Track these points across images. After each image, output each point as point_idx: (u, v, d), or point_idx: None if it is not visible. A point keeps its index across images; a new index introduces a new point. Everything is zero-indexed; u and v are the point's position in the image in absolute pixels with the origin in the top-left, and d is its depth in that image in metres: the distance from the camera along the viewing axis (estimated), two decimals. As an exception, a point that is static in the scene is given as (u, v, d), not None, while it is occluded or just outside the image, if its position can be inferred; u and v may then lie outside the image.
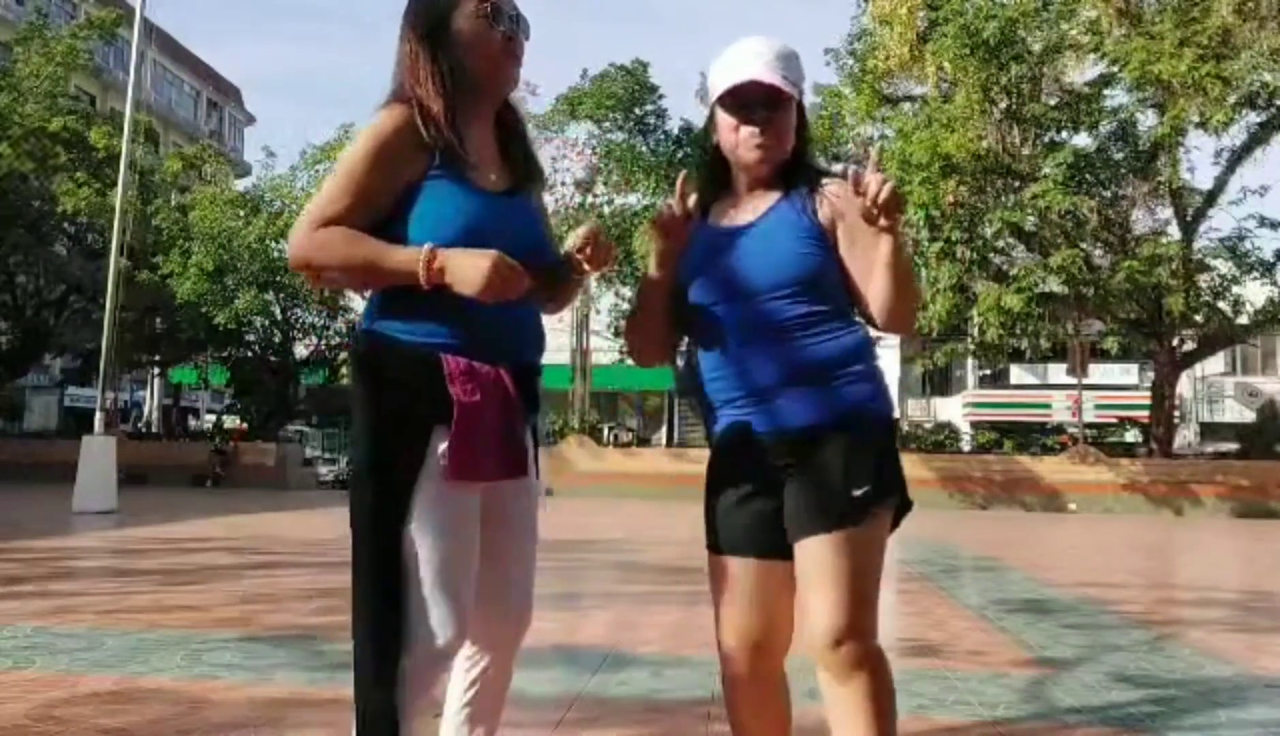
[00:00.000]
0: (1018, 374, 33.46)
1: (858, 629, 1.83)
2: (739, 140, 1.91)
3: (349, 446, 1.82)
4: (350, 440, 1.79)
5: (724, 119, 1.93)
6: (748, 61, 1.88)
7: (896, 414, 32.56)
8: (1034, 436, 26.15)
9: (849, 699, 1.82)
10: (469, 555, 1.74)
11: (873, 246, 1.83)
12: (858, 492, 1.81)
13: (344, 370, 24.49)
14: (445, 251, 1.66)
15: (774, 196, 1.95)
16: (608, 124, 23.79)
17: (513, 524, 1.87)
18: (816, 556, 1.81)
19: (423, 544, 1.68)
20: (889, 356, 29.85)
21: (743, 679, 1.93)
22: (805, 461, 1.84)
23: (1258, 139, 19.17)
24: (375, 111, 1.80)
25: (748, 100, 1.88)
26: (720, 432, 1.94)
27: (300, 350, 24.65)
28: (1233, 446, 24.55)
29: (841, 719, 1.84)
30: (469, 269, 1.65)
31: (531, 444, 1.90)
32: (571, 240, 1.89)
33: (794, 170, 1.96)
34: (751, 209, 1.96)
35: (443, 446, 1.68)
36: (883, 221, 1.75)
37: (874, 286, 1.86)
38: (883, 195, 1.71)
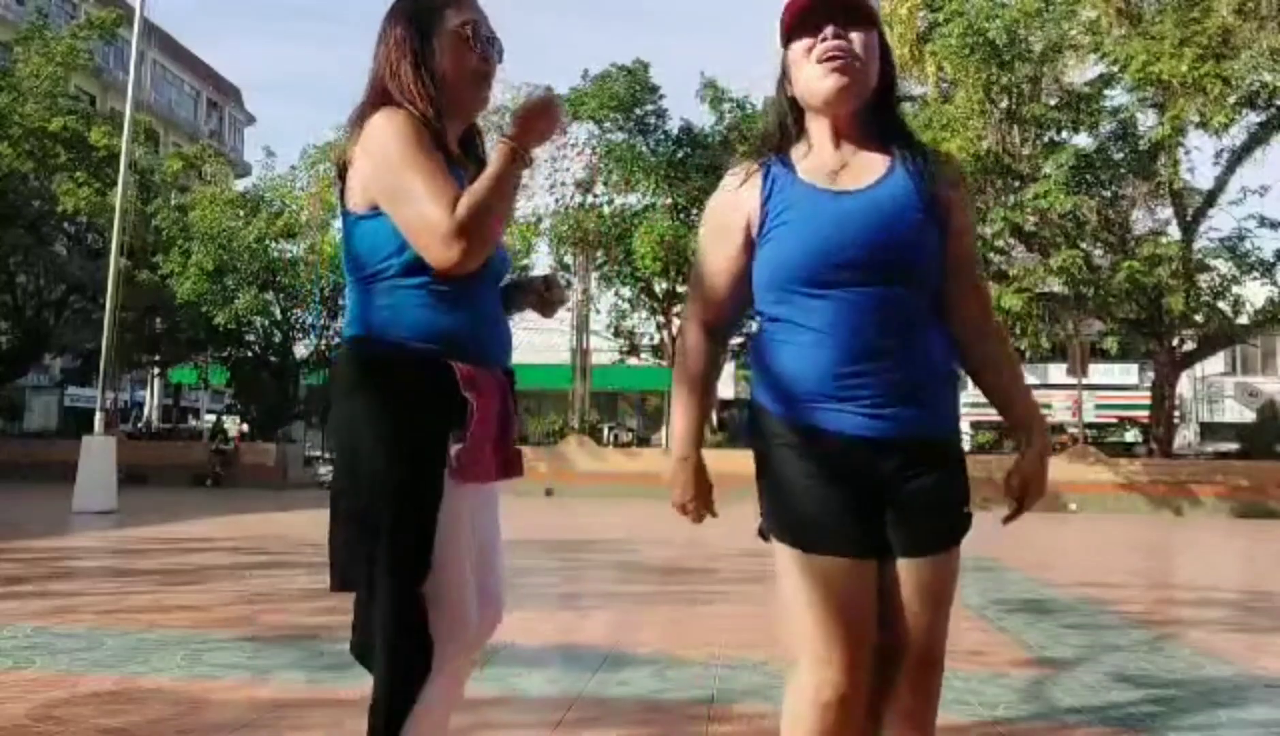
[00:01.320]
0: (1018, 374, 33.43)
1: (944, 648, 1.77)
2: (814, 66, 1.64)
3: (350, 455, 1.74)
4: (354, 449, 1.73)
5: (795, 48, 1.68)
6: None
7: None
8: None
9: (921, 710, 1.81)
10: (469, 549, 1.79)
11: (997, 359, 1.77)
12: (967, 509, 1.71)
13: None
14: (515, 127, 1.70)
15: (877, 157, 1.69)
16: (608, 124, 23.78)
17: (490, 522, 1.93)
18: (933, 574, 1.67)
19: (442, 543, 1.71)
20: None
21: (855, 693, 1.64)
22: (921, 472, 1.65)
23: (1258, 139, 19.16)
24: (362, 114, 1.78)
25: (820, 14, 1.64)
26: (825, 430, 1.64)
27: (300, 350, 24.65)
28: (1233, 446, 24.56)
29: (902, 724, 1.79)
30: (534, 115, 1.71)
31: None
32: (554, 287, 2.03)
33: (888, 124, 1.72)
34: (859, 169, 1.68)
35: (455, 449, 1.71)
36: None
37: (984, 377, 1.78)
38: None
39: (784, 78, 1.74)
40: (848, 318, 1.62)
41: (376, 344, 1.74)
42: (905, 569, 1.66)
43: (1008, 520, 1.80)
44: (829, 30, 1.63)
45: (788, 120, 1.75)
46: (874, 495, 1.65)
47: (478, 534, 1.85)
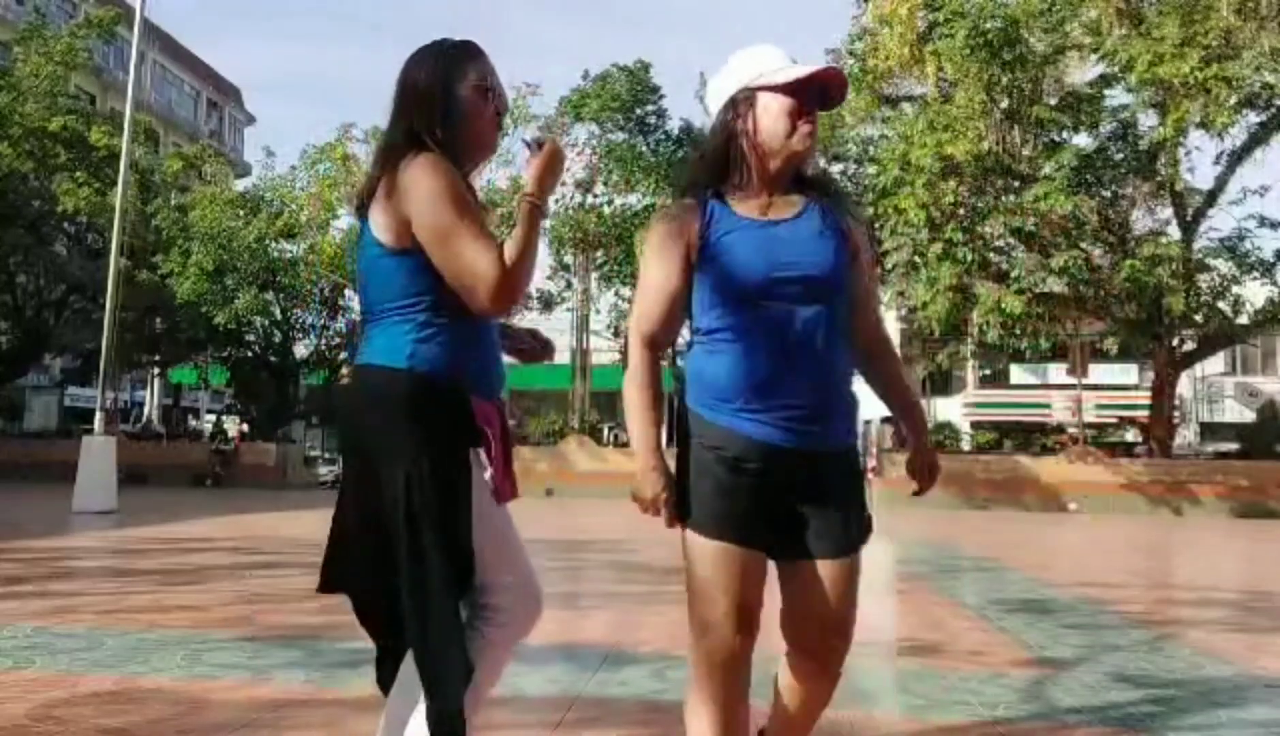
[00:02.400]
0: (1018, 374, 33.44)
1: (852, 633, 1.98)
2: (796, 129, 1.92)
3: (399, 477, 1.85)
4: (407, 467, 1.84)
5: (783, 105, 1.91)
6: (802, 63, 1.94)
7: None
8: (1034, 436, 26.15)
9: (816, 696, 2.05)
10: (512, 557, 1.98)
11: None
12: (868, 513, 1.97)
13: (344, 370, 24.46)
14: (531, 182, 1.89)
15: (798, 198, 1.97)
16: (609, 124, 23.79)
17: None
18: (841, 575, 1.92)
19: (493, 549, 1.91)
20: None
21: (735, 658, 1.94)
22: (828, 480, 1.91)
23: (1258, 139, 19.16)
24: (398, 155, 1.89)
25: (816, 92, 1.94)
26: (745, 436, 1.87)
27: (300, 350, 24.65)
28: (1233, 446, 24.55)
29: (799, 706, 2.07)
30: (548, 177, 1.91)
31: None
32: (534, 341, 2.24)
33: (807, 176, 2.03)
34: (783, 205, 1.95)
35: (486, 474, 1.89)
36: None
37: (883, 391, 2.14)
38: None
39: (734, 110, 1.95)
40: (777, 330, 1.86)
41: (399, 375, 1.86)
42: (822, 568, 1.91)
43: (918, 494, 2.13)
44: (814, 113, 1.93)
45: (730, 149, 1.96)
46: (780, 498, 1.89)
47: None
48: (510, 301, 1.83)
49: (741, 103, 1.94)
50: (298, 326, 24.28)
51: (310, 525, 11.40)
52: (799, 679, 2.05)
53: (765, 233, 1.90)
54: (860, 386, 2.05)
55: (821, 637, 1.96)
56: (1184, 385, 27.42)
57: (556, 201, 23.76)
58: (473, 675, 1.84)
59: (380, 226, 1.88)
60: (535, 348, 2.24)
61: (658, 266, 1.96)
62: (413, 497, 1.82)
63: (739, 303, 1.88)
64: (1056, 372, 29.42)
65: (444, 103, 1.93)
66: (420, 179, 1.82)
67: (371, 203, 1.91)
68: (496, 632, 1.94)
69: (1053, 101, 19.28)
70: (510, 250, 1.82)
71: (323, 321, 24.26)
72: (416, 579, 1.82)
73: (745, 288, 1.87)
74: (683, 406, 1.99)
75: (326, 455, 30.46)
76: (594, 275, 24.37)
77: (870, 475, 21.41)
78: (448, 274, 1.82)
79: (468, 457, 1.87)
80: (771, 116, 1.91)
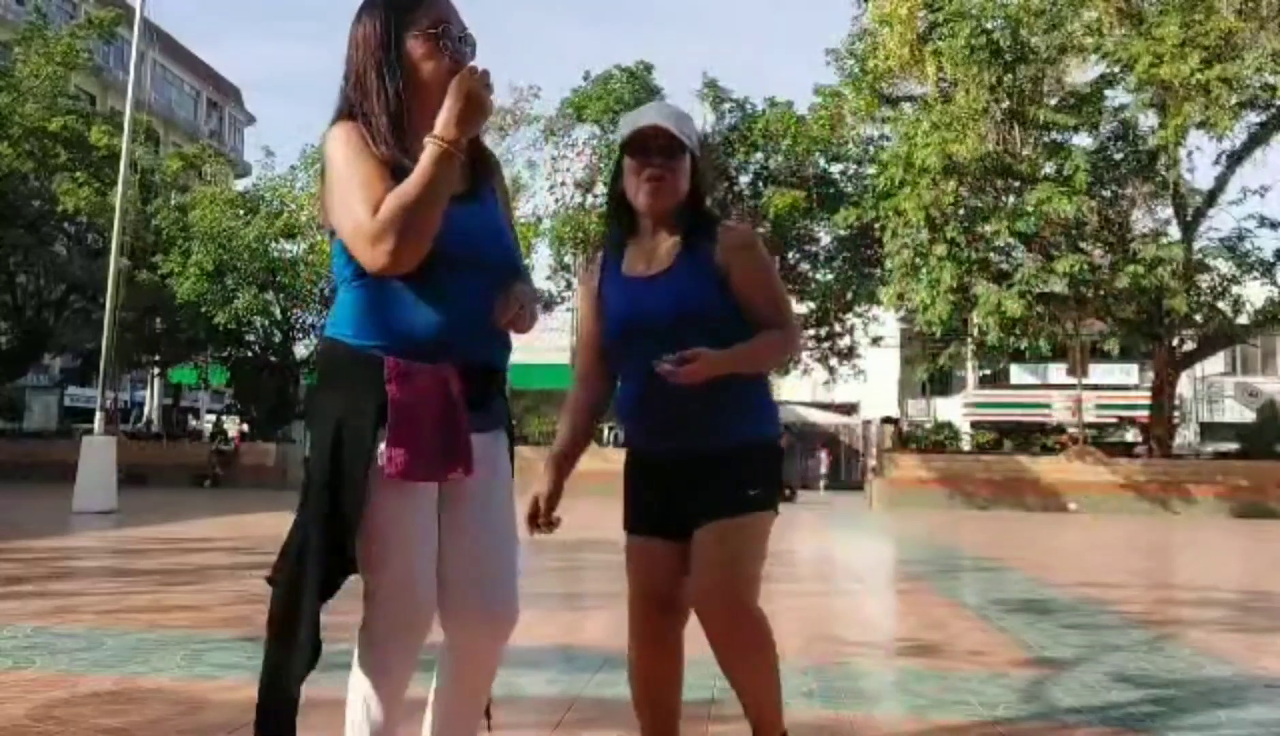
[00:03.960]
0: (1018, 374, 33.44)
1: (734, 591, 2.18)
2: (639, 183, 2.20)
3: (311, 438, 1.84)
4: (309, 440, 1.85)
5: (628, 164, 2.23)
6: (649, 115, 2.23)
7: (895, 414, 32.30)
8: (1034, 436, 26.14)
9: (730, 650, 2.24)
10: (419, 552, 1.77)
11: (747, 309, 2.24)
12: (752, 491, 2.20)
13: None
14: (439, 122, 1.66)
15: (676, 242, 2.25)
16: (610, 126, 23.78)
17: (471, 523, 1.86)
18: (706, 539, 2.18)
19: (375, 543, 1.72)
20: (888, 357, 29.86)
21: (650, 634, 2.32)
22: (707, 473, 2.21)
23: (1258, 139, 19.16)
24: (329, 128, 1.80)
25: (647, 146, 2.20)
26: (636, 451, 2.37)
27: (300, 350, 24.64)
28: (1233, 446, 24.54)
29: (727, 670, 2.26)
30: (456, 113, 1.66)
31: (505, 441, 1.94)
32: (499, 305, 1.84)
33: (693, 216, 2.26)
34: (658, 257, 2.26)
35: (381, 445, 1.71)
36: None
37: None
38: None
39: (619, 175, 2.29)
40: (642, 366, 2.15)
41: (329, 342, 1.80)
42: (695, 536, 2.19)
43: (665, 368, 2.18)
44: (655, 163, 2.19)
45: (619, 209, 2.31)
46: (669, 494, 2.25)
47: (455, 536, 1.83)
48: (391, 255, 1.64)
49: (617, 165, 2.30)
50: (298, 326, 24.26)
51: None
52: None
53: (632, 289, 2.26)
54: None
55: (694, 592, 2.23)
56: (1184, 385, 27.41)
57: (557, 201, 23.77)
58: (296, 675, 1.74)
59: (320, 209, 1.84)
60: (512, 313, 1.85)
61: (582, 307, 2.43)
62: (310, 461, 1.77)
63: (622, 345, 2.27)
64: (1056, 373, 29.42)
65: (382, 60, 1.77)
66: (324, 154, 1.75)
67: None
68: (365, 641, 1.78)
69: (1053, 102, 19.28)
70: (390, 198, 1.65)
71: (323, 321, 24.25)
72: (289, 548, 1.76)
73: (616, 335, 2.29)
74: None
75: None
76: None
77: (870, 475, 21.43)
78: (343, 240, 1.72)
79: (372, 427, 1.70)
80: (627, 176, 2.25)
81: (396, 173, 1.71)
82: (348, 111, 1.80)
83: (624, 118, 2.28)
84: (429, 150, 1.66)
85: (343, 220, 1.71)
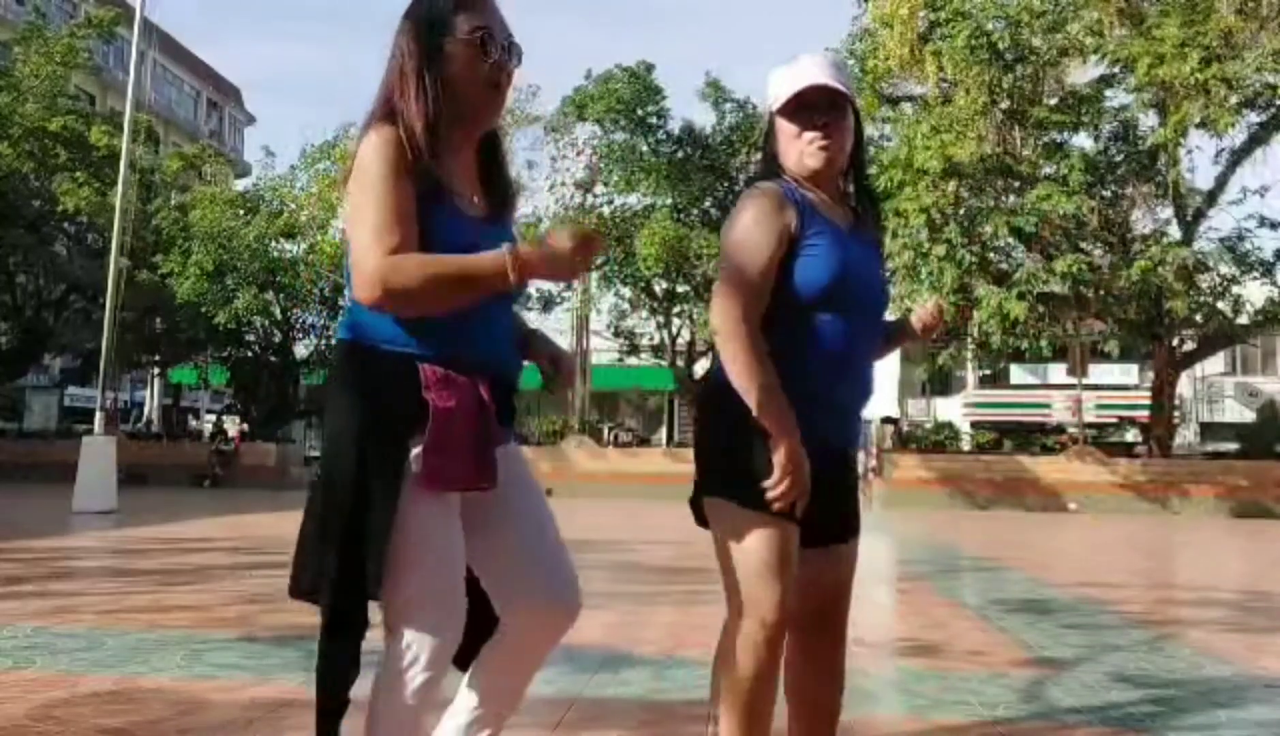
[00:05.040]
0: (1018, 374, 33.44)
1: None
2: (802, 146, 1.98)
3: (323, 452, 1.79)
4: (326, 445, 1.78)
5: (786, 128, 2.00)
6: (808, 70, 1.98)
7: (895, 414, 32.27)
8: (1034, 436, 26.15)
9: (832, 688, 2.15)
10: (454, 557, 1.75)
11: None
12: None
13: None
14: (524, 254, 1.65)
15: (849, 213, 2.06)
16: (610, 125, 23.78)
17: (515, 517, 1.87)
18: (851, 560, 2.11)
19: (406, 551, 1.68)
20: (888, 357, 29.83)
21: (806, 644, 2.11)
22: (845, 476, 2.09)
23: (1258, 139, 19.16)
24: (362, 130, 1.77)
25: (810, 105, 1.97)
26: (810, 433, 1.91)
27: (300, 350, 24.64)
28: (1233, 446, 24.54)
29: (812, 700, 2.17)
30: (550, 249, 1.65)
31: (518, 449, 1.95)
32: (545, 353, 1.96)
33: (857, 185, 2.09)
34: (844, 217, 2.05)
35: (416, 452, 1.68)
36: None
37: None
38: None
39: (770, 134, 2.06)
40: (843, 339, 1.96)
41: (356, 346, 1.75)
42: (836, 551, 2.12)
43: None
44: (819, 123, 1.96)
45: (774, 173, 2.05)
46: (821, 488, 1.93)
47: (513, 526, 1.85)
48: (377, 304, 1.64)
49: (769, 129, 2.07)
50: (298, 326, 24.25)
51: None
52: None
53: (853, 247, 2.00)
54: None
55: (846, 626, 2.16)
56: (1184, 385, 27.41)
57: (557, 201, 23.78)
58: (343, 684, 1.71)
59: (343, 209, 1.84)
60: (548, 373, 1.98)
61: (762, 244, 1.93)
62: (326, 468, 1.72)
63: (828, 305, 1.95)
64: (1056, 373, 29.40)
65: (422, 66, 1.75)
66: (358, 153, 1.72)
67: None
68: (395, 661, 1.71)
69: (1053, 102, 19.28)
70: (416, 260, 1.63)
71: (323, 321, 24.24)
72: (314, 565, 1.75)
73: (825, 292, 1.94)
74: (717, 385, 1.97)
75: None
76: (594, 275, 24.36)
77: (870, 475, 21.41)
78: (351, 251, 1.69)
79: (401, 435, 1.68)
80: (785, 141, 2.02)
81: (424, 180, 1.70)
82: (386, 114, 1.76)
83: (775, 74, 2.03)
84: (495, 260, 1.63)
85: (356, 235, 1.68)
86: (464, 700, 1.87)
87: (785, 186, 1.99)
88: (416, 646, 1.69)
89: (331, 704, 1.73)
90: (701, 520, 2.06)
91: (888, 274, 19.93)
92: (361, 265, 1.64)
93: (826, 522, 2.02)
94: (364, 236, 1.65)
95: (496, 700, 1.87)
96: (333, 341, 24.34)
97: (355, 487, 1.67)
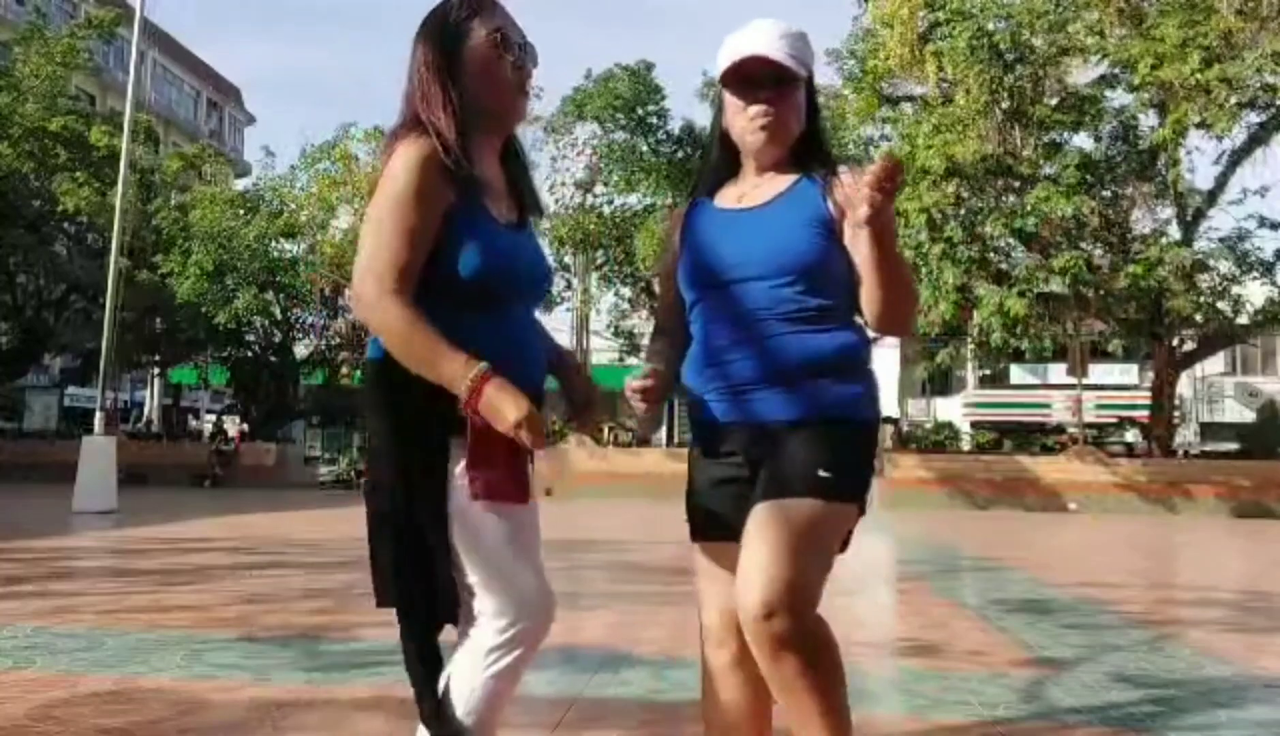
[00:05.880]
0: (1018, 374, 33.44)
1: (793, 601, 1.69)
2: (745, 121, 1.89)
3: (369, 462, 1.81)
4: (371, 456, 1.79)
5: (730, 101, 1.92)
6: (752, 39, 1.87)
7: (895, 414, 32.17)
8: (1034, 436, 26.16)
9: (782, 676, 1.72)
10: (526, 547, 1.78)
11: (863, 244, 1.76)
12: (824, 473, 1.78)
13: (344, 370, 24.44)
14: (491, 385, 1.63)
15: (788, 180, 1.92)
16: (610, 124, 23.78)
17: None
18: (762, 519, 1.76)
19: (478, 544, 1.71)
20: (888, 356, 29.84)
21: (727, 661, 1.94)
22: (781, 447, 1.83)
23: (1258, 139, 19.17)
24: (390, 142, 1.77)
25: (752, 78, 1.87)
26: (701, 422, 1.94)
27: (300, 350, 24.64)
28: (1231, 447, 24.54)
29: (783, 700, 1.77)
30: (506, 407, 1.63)
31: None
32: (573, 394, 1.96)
33: (809, 154, 1.94)
34: (761, 193, 1.93)
35: (460, 465, 1.69)
36: (863, 210, 1.64)
37: (865, 287, 1.82)
38: (879, 173, 1.62)
39: (721, 111, 1.98)
40: (714, 316, 1.89)
41: (380, 364, 1.73)
42: (750, 516, 1.88)
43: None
44: (763, 97, 1.87)
45: (722, 149, 2.01)
46: (750, 480, 1.86)
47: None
48: (362, 315, 1.69)
49: (718, 98, 1.98)
50: (298, 326, 24.27)
51: (310, 525, 11.40)
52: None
53: (730, 222, 1.92)
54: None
55: (745, 605, 1.75)
56: (1184, 385, 27.42)
57: (557, 201, 23.77)
58: (438, 699, 1.73)
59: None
60: (578, 407, 1.97)
61: (661, 259, 2.08)
62: (376, 489, 1.73)
63: (699, 286, 1.92)
64: (1056, 373, 29.41)
65: (444, 71, 1.76)
66: (390, 163, 1.71)
67: None
68: (480, 653, 1.74)
69: (1053, 102, 19.28)
70: (411, 324, 1.64)
71: (323, 321, 24.25)
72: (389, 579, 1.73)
73: (693, 276, 1.93)
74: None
75: (326, 455, 30.44)
76: (594, 275, 24.36)
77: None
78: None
79: (444, 452, 1.70)
80: (731, 114, 1.94)
81: (465, 187, 1.71)
82: (415, 121, 1.76)
83: (727, 40, 1.92)
84: (462, 371, 1.63)
85: (367, 245, 1.69)
86: None
87: (692, 200, 2.05)
88: (521, 642, 1.74)
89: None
90: None
91: None
92: (360, 284, 1.68)
93: (745, 510, 1.86)
94: (372, 255, 1.68)
95: None
96: (335, 341, 24.42)
97: (405, 509, 1.69)
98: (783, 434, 1.83)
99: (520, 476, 1.76)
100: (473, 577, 1.72)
